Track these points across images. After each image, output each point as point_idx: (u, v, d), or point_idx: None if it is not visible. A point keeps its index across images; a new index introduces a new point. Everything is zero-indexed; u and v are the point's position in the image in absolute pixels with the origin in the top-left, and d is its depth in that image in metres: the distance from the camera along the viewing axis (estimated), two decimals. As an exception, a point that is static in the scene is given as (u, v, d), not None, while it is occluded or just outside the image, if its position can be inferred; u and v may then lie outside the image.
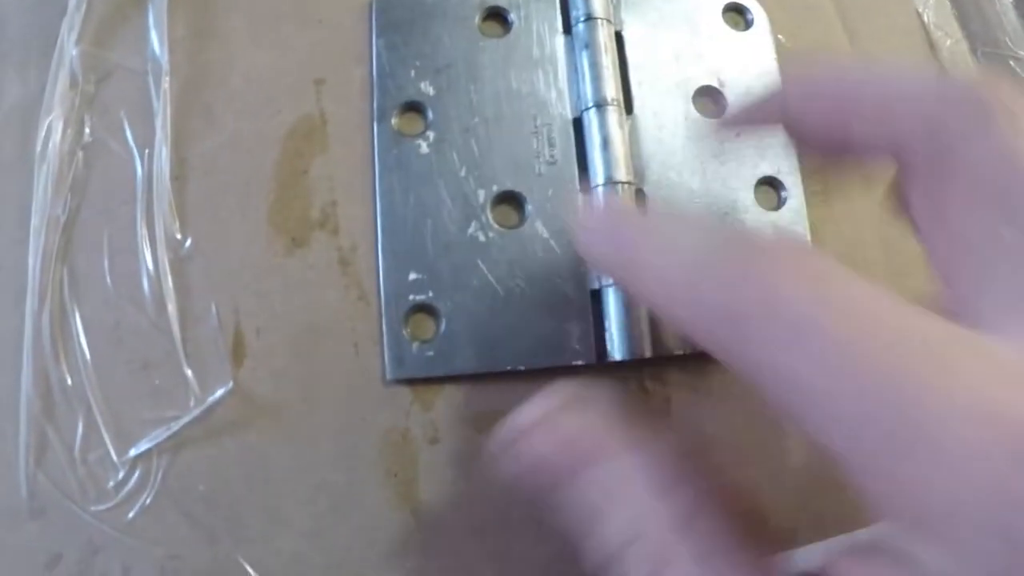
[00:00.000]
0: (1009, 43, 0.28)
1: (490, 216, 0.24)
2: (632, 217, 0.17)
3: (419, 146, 0.24)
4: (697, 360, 0.24)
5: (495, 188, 0.24)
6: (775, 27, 0.27)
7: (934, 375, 0.12)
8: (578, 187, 0.24)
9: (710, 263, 0.14)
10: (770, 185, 0.25)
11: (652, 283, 0.15)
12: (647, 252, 0.15)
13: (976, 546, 0.12)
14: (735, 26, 0.27)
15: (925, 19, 0.28)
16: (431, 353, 0.23)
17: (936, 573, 0.12)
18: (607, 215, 0.18)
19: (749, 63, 0.26)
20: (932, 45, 0.28)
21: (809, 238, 0.25)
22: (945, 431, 0.12)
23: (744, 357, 0.13)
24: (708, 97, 0.26)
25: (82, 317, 0.25)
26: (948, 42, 0.28)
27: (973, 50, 0.29)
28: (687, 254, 0.15)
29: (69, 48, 0.26)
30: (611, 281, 0.23)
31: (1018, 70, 0.29)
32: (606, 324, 0.23)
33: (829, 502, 0.24)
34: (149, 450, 0.23)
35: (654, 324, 0.23)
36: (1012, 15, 0.28)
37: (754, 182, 0.25)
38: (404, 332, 0.23)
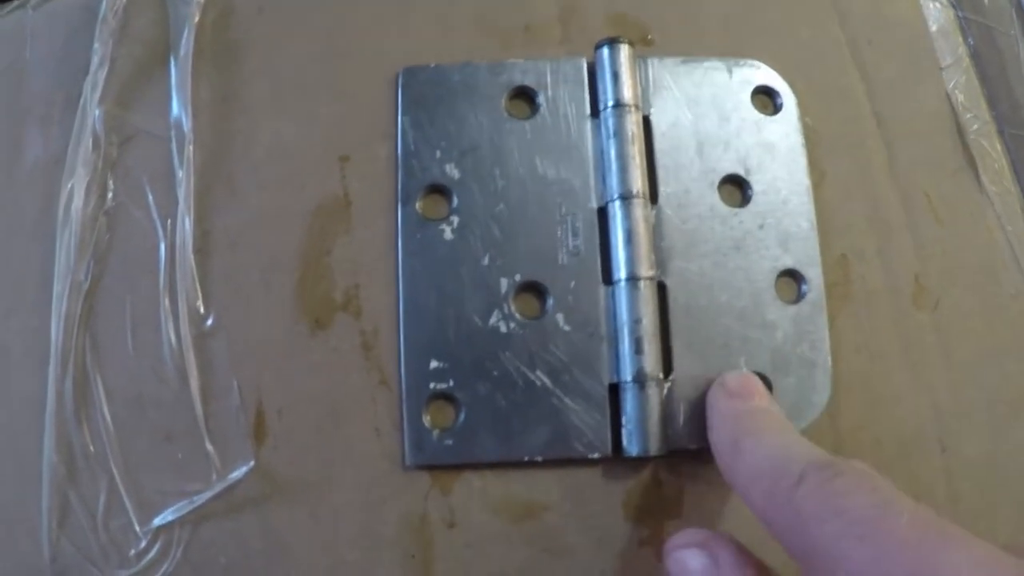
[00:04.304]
0: (1037, 125, 0.29)
1: (512, 306, 0.25)
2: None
3: (443, 231, 0.25)
4: (711, 454, 0.25)
5: (518, 277, 0.25)
6: (803, 110, 0.27)
7: None
8: (600, 279, 0.25)
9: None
10: (791, 277, 0.26)
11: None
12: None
13: None
14: (763, 109, 0.27)
15: (954, 100, 0.29)
16: (450, 441, 0.24)
17: None
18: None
19: (776, 149, 0.27)
20: (960, 128, 0.29)
21: (827, 331, 0.26)
22: None
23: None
24: (734, 185, 0.26)
25: (104, 385, 0.26)
26: (975, 125, 0.29)
27: (1000, 131, 0.29)
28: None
29: (92, 108, 0.27)
30: (628, 378, 0.25)
31: (1044, 152, 0.29)
32: (623, 419, 0.24)
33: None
34: (171, 521, 0.25)
35: (670, 421, 0.24)
36: (1043, 96, 0.29)
37: (775, 275, 0.26)
38: (424, 419, 0.24)
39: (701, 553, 0.21)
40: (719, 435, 0.24)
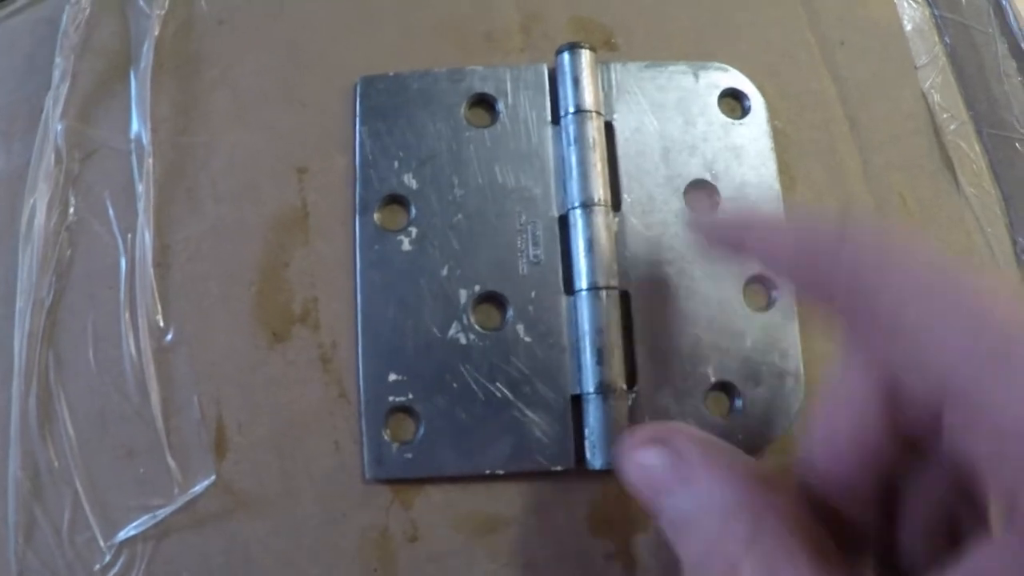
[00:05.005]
0: (1016, 124, 0.28)
1: (471, 318, 0.25)
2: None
3: (401, 242, 0.25)
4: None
5: (477, 288, 0.25)
6: (773, 114, 0.27)
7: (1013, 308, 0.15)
8: (561, 289, 0.25)
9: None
10: (760, 284, 0.25)
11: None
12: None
13: None
14: (731, 113, 0.27)
15: (930, 100, 0.28)
16: (410, 455, 0.24)
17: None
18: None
19: (744, 154, 0.26)
20: (937, 128, 0.28)
21: (799, 338, 0.25)
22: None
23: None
24: (700, 191, 0.26)
25: (67, 401, 0.26)
26: (953, 125, 0.28)
27: (978, 131, 0.28)
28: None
29: (54, 123, 0.27)
30: (591, 389, 0.24)
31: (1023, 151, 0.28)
32: (586, 431, 0.24)
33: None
34: (134, 536, 0.25)
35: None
36: (1022, 95, 0.28)
37: (743, 281, 0.25)
38: (384, 433, 0.24)
39: (662, 450, 0.19)
40: None
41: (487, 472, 0.25)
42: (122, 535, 0.25)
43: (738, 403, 0.25)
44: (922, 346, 0.16)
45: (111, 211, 0.27)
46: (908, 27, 0.29)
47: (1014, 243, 0.28)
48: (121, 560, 0.25)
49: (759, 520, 0.17)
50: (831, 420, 0.18)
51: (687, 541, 0.18)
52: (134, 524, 0.25)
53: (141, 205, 0.27)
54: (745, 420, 0.25)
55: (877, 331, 0.17)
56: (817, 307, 0.20)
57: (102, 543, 0.25)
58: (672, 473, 0.19)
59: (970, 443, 0.16)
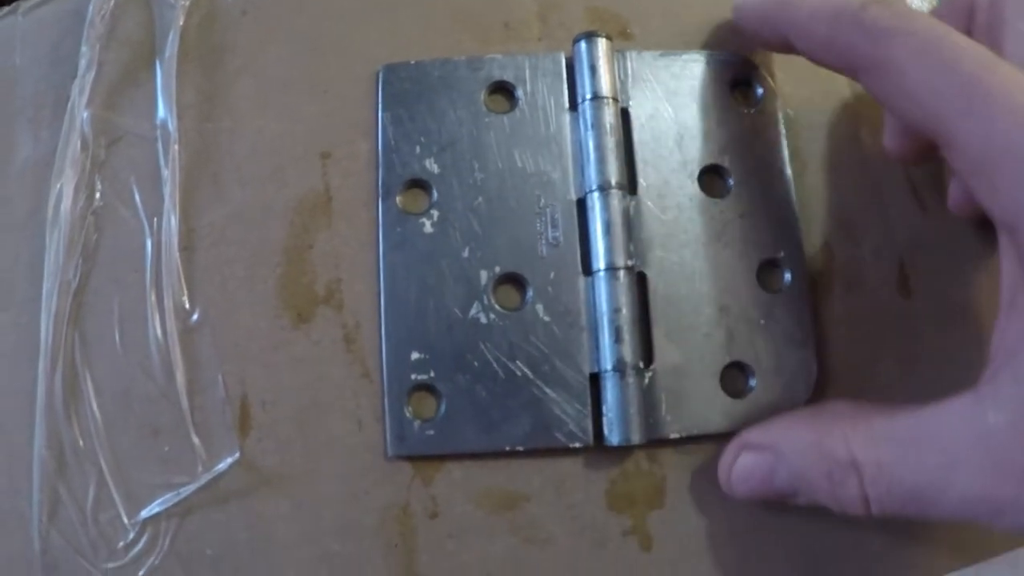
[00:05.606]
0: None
1: (492, 298, 0.25)
2: None
3: (423, 225, 0.25)
4: (693, 443, 0.25)
5: (497, 269, 0.25)
6: (785, 101, 0.28)
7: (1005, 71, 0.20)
8: (579, 270, 0.25)
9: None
10: (774, 266, 0.26)
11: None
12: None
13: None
14: (743, 100, 0.28)
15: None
16: (432, 432, 0.25)
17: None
18: None
19: (756, 139, 0.27)
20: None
21: (812, 319, 0.26)
22: (1007, 97, 0.19)
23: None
24: (714, 175, 0.27)
25: (93, 381, 0.26)
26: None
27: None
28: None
29: (80, 111, 0.28)
30: (608, 367, 0.24)
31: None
32: (604, 408, 0.25)
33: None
34: (158, 514, 0.25)
35: (651, 410, 0.24)
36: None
37: (757, 264, 0.26)
38: (406, 411, 0.25)
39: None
40: None
41: (507, 449, 0.25)
42: (145, 513, 0.25)
43: (752, 382, 0.26)
44: (912, 94, 0.21)
45: (137, 196, 0.28)
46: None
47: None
48: (145, 537, 0.25)
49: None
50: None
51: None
52: (158, 501, 0.25)
53: (167, 190, 0.27)
54: (760, 398, 0.26)
55: (888, 83, 0.22)
56: (837, 71, 0.24)
57: (126, 520, 0.26)
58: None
59: (958, 167, 0.21)
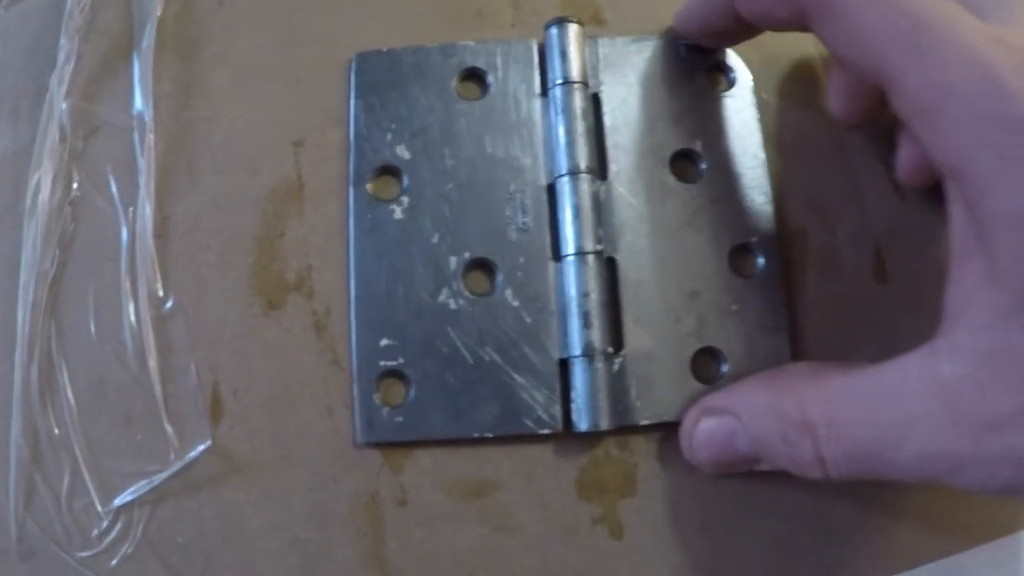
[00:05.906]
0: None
1: (461, 284, 0.25)
2: None
3: (393, 211, 0.26)
4: (663, 430, 0.25)
5: (467, 255, 0.25)
6: (759, 85, 0.28)
7: (951, 13, 0.20)
8: (549, 255, 0.25)
9: None
10: (746, 251, 0.26)
11: None
12: None
13: (970, 132, 0.18)
14: (717, 85, 0.27)
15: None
16: (401, 419, 0.25)
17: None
18: None
19: (730, 124, 0.27)
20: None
21: (784, 305, 0.26)
22: (954, 39, 0.19)
23: None
24: (686, 161, 0.26)
25: (69, 371, 0.26)
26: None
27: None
28: None
29: (59, 102, 0.28)
30: (577, 352, 0.24)
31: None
32: (573, 394, 0.24)
33: (796, 571, 0.25)
34: (131, 502, 0.25)
35: (621, 396, 0.24)
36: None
37: (729, 249, 0.26)
38: (375, 397, 0.25)
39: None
40: None
41: (476, 436, 0.25)
42: (119, 501, 0.25)
43: (724, 368, 0.26)
44: (859, 37, 0.21)
45: (113, 186, 0.28)
46: None
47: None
48: (118, 525, 0.25)
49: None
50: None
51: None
52: (131, 490, 0.26)
53: (142, 179, 0.27)
54: (731, 384, 0.25)
55: (835, 26, 0.21)
56: (791, 26, 0.24)
57: (100, 508, 0.26)
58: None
59: (903, 113, 0.21)
